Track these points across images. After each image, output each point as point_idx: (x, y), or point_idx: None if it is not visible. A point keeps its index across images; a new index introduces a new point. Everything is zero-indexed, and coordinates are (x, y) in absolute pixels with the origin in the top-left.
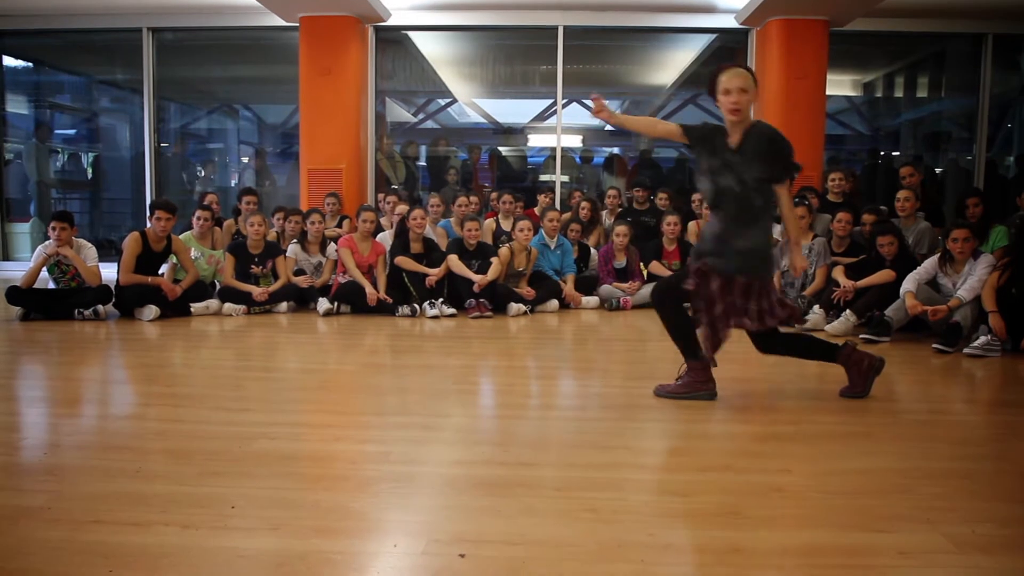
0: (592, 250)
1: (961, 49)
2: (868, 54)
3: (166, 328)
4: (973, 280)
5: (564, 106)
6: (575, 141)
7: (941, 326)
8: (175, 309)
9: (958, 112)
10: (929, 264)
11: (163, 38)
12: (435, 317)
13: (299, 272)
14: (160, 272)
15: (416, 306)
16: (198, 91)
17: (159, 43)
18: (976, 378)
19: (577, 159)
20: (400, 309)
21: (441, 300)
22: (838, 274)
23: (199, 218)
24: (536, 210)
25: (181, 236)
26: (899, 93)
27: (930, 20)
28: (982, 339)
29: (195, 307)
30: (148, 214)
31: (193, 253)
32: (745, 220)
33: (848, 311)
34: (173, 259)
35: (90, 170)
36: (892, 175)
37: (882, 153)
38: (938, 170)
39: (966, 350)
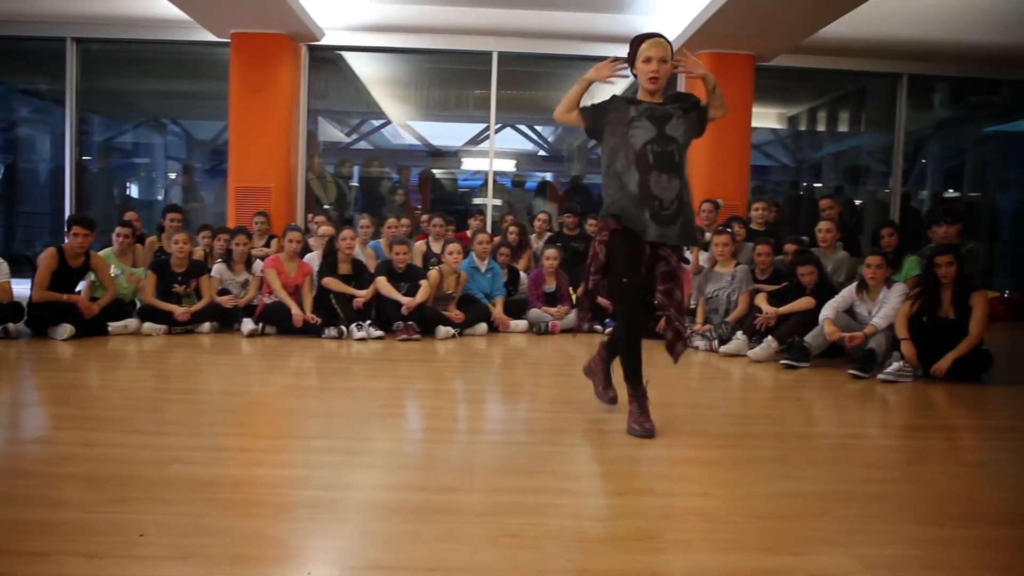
0: (522, 274)
1: (879, 87)
2: (793, 89)
3: (81, 348)
4: (887, 308)
5: (497, 131)
6: (508, 165)
7: (857, 352)
8: (91, 328)
9: (876, 147)
10: (847, 292)
11: (88, 49)
12: (362, 339)
13: (224, 292)
14: (77, 290)
15: (343, 328)
16: (124, 104)
17: (84, 54)
18: (889, 403)
19: (508, 184)
20: (327, 331)
21: (368, 322)
22: (760, 301)
23: (119, 234)
24: (468, 233)
25: (101, 252)
26: (822, 127)
27: (850, 59)
28: (895, 365)
29: (113, 326)
30: (66, 229)
31: (113, 270)
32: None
33: (770, 337)
34: (91, 276)
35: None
36: (814, 206)
37: (805, 184)
38: (857, 202)
39: (880, 376)
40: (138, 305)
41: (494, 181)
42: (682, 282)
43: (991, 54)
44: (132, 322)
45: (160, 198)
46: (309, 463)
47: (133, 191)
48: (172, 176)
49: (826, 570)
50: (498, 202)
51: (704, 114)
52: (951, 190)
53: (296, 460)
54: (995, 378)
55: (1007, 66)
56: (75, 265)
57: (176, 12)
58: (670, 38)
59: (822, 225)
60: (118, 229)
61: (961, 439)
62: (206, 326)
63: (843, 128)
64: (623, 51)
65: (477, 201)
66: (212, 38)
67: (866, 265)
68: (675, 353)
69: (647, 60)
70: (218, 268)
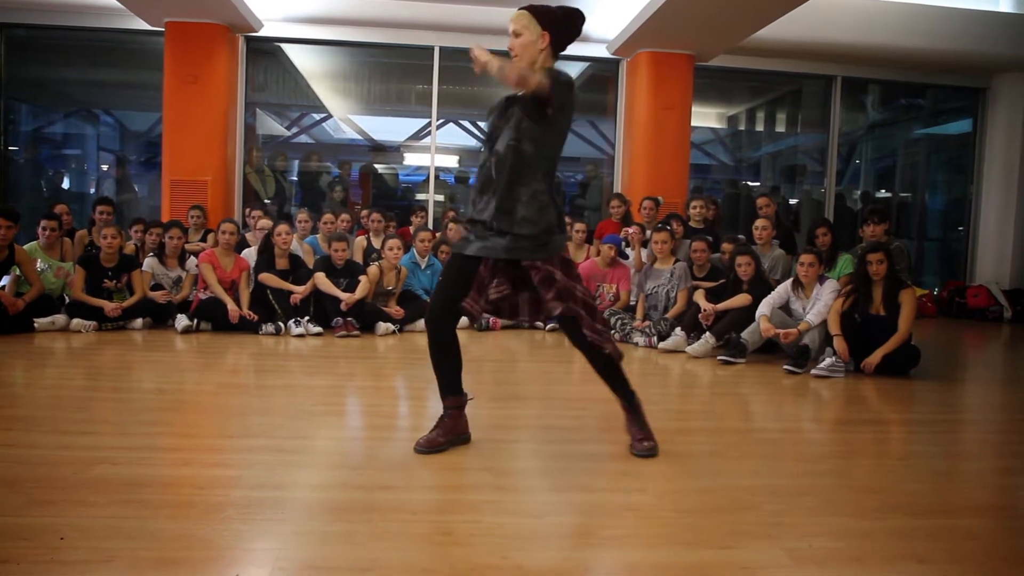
0: None
1: (815, 88)
2: (732, 89)
3: (6, 345)
4: (820, 305)
5: (440, 126)
6: (451, 161)
7: (792, 348)
8: (16, 325)
9: (812, 147)
10: (782, 289)
11: (15, 35)
12: (300, 336)
13: (157, 287)
14: (0, 285)
15: (281, 324)
16: (54, 93)
17: (10, 40)
18: (822, 397)
19: (451, 179)
20: (264, 327)
21: (307, 318)
22: (699, 298)
23: (44, 228)
24: (411, 229)
25: (26, 247)
26: (760, 127)
27: (786, 60)
28: (828, 360)
29: (39, 322)
30: None
31: (39, 265)
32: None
33: (708, 334)
34: (15, 271)
35: None
36: (752, 204)
37: (743, 183)
38: (793, 201)
39: (813, 371)
40: (67, 301)
41: (436, 177)
42: (562, 285)
43: (917, 58)
44: (60, 318)
45: (92, 191)
46: (242, 462)
47: (64, 183)
48: (105, 168)
49: (756, 563)
50: (440, 198)
51: (532, 104)
52: (883, 190)
53: (228, 459)
54: (922, 373)
55: (932, 71)
56: None
57: None
58: (609, 37)
59: (759, 223)
60: (43, 222)
61: (889, 432)
62: (138, 322)
63: (780, 128)
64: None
65: (419, 197)
66: (146, 27)
67: (799, 263)
68: (612, 357)
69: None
70: (150, 263)
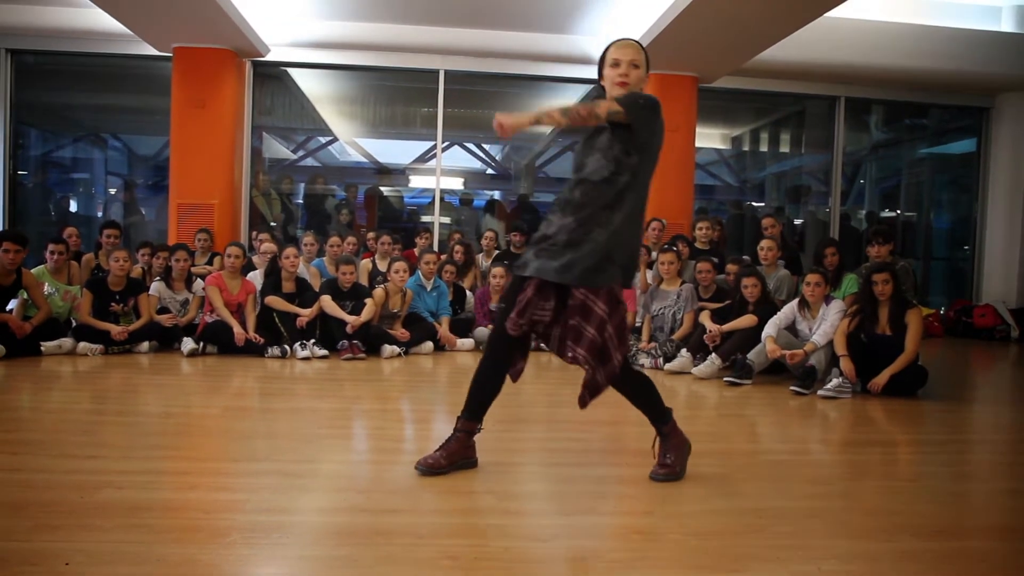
0: (468, 292)
1: (818, 109)
2: (736, 110)
3: (13, 368)
4: (826, 326)
5: (445, 149)
6: (456, 183)
7: (798, 369)
8: (24, 348)
9: (816, 167)
10: (788, 310)
11: (23, 60)
12: (306, 358)
13: (163, 310)
14: (8, 308)
15: (287, 347)
16: (62, 118)
17: (19, 65)
18: (829, 419)
19: (455, 202)
20: (270, 350)
21: (313, 341)
22: (705, 318)
23: (52, 251)
24: (416, 251)
25: (34, 270)
26: (764, 147)
27: (790, 81)
28: (835, 381)
29: (46, 346)
30: None
31: (47, 288)
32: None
33: (714, 355)
34: (23, 294)
35: None
36: (757, 225)
37: (748, 204)
38: (798, 221)
39: (820, 392)
40: (73, 324)
41: (441, 199)
42: (599, 317)
43: (921, 78)
44: (67, 342)
45: (100, 214)
46: (247, 486)
47: (72, 207)
48: (112, 192)
49: None
50: (446, 220)
51: (622, 132)
52: (888, 210)
53: (234, 483)
54: (930, 393)
55: (935, 90)
56: (5, 283)
57: (117, 25)
58: None
59: (764, 243)
60: (51, 246)
61: (897, 454)
62: (144, 345)
63: (784, 148)
64: (568, 71)
65: (425, 219)
66: (154, 52)
67: (805, 283)
68: (580, 398)
69: (615, 64)
70: (156, 286)
